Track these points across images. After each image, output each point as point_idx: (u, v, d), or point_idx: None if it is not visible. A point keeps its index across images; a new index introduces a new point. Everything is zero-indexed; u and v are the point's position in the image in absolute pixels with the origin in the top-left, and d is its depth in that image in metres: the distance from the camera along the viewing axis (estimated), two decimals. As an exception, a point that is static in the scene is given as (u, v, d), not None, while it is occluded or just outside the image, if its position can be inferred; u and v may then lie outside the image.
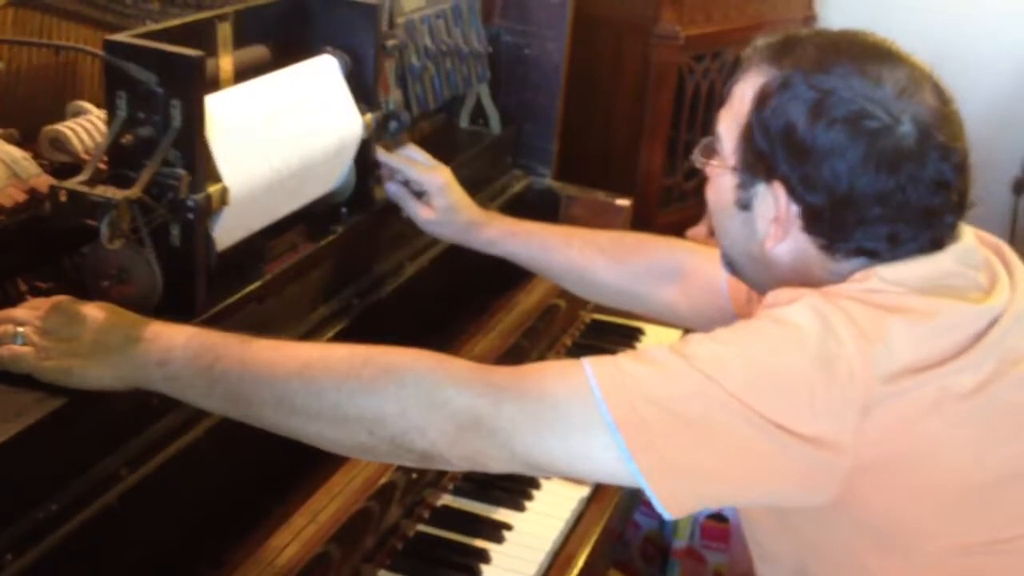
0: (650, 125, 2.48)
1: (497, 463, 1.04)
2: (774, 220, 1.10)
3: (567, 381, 1.02)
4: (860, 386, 0.98)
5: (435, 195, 1.54)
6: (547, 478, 1.56)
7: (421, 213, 1.55)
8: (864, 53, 1.07)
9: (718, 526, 1.84)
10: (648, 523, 1.92)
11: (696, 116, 2.56)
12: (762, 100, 1.08)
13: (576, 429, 1.00)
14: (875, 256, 1.07)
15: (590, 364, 1.02)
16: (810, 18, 2.80)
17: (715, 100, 2.52)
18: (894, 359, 0.99)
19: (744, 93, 1.11)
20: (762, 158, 1.09)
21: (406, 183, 1.55)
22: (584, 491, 1.55)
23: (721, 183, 1.15)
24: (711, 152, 1.17)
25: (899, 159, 1.04)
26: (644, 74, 2.46)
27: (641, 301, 1.57)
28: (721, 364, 0.99)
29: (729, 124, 1.13)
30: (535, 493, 1.53)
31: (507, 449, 1.02)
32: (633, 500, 1.74)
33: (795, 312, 1.01)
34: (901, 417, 0.99)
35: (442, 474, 1.48)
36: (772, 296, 1.07)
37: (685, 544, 1.86)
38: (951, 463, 1.02)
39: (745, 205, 1.13)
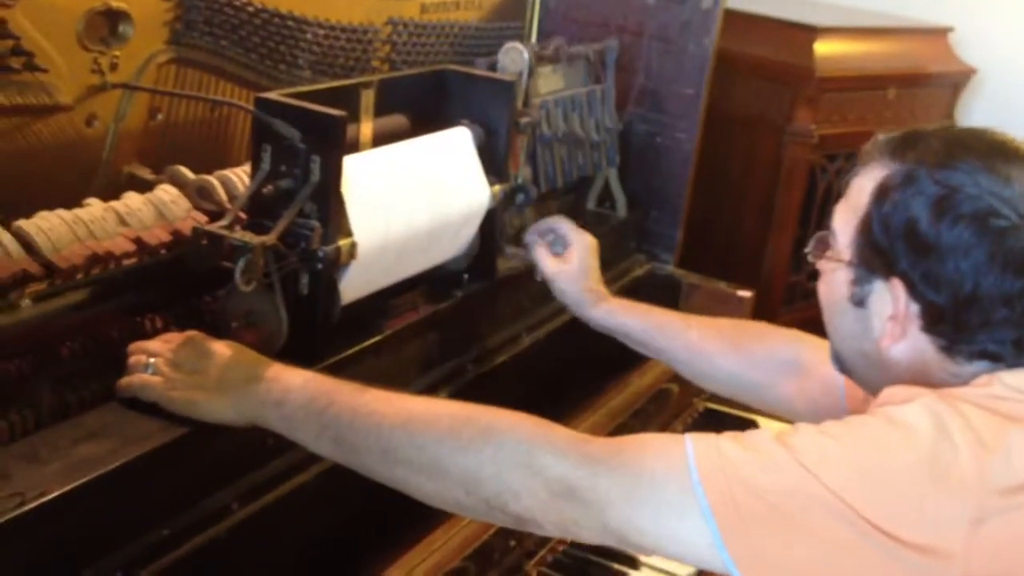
0: (778, 220, 2.48)
1: (589, 534, 1.04)
2: (891, 318, 1.07)
3: (666, 459, 1.01)
4: (973, 496, 0.94)
5: (578, 251, 1.56)
6: (646, 560, 1.54)
7: (551, 264, 1.56)
8: (991, 151, 1.05)
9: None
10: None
11: (826, 215, 2.54)
12: (883, 194, 1.06)
13: (670, 509, 0.99)
14: (999, 360, 1.04)
15: (692, 443, 1.00)
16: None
17: (846, 200, 2.49)
18: (1012, 472, 0.95)
19: (863, 186, 1.09)
20: (881, 253, 1.07)
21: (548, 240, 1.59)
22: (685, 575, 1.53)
23: (834, 278, 1.13)
24: (825, 246, 1.15)
25: None
26: (775, 170, 2.47)
27: (756, 392, 1.53)
28: (825, 459, 0.96)
29: (846, 218, 1.11)
30: (633, 573, 1.52)
31: (599, 521, 1.01)
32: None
33: (910, 412, 0.98)
34: (1014, 535, 0.94)
35: (542, 544, 1.48)
36: (887, 393, 1.04)
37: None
38: None
39: (860, 302, 1.10)
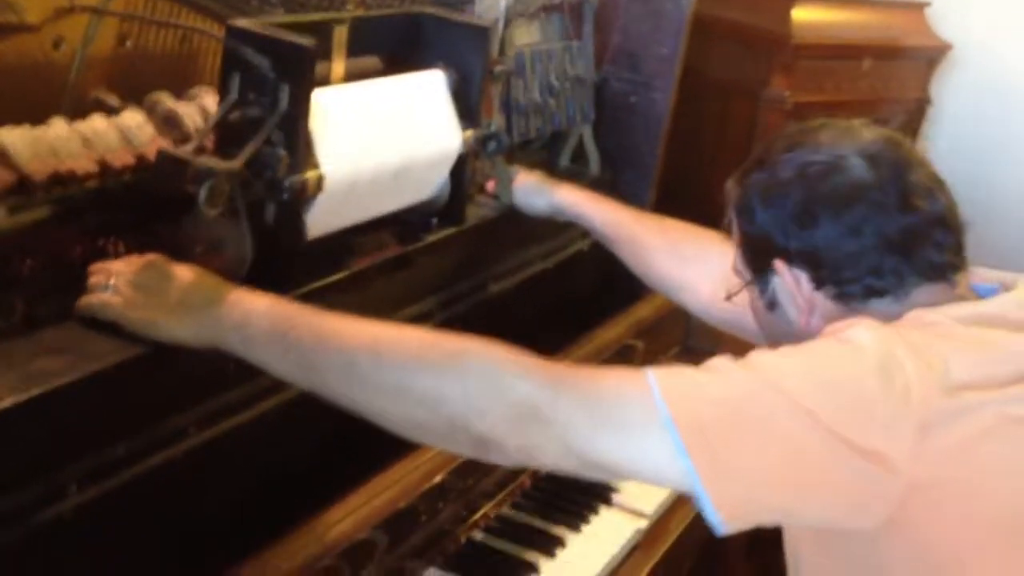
0: (750, 186, 2.48)
1: (551, 456, 1.05)
2: (796, 297, 1.15)
3: (629, 381, 1.03)
4: (918, 403, 0.99)
5: (520, 175, 1.74)
6: (607, 503, 1.56)
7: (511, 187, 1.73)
8: (799, 131, 1.18)
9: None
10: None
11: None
12: (739, 210, 1.21)
13: (633, 425, 1.01)
14: (887, 293, 1.11)
15: (652, 369, 1.03)
16: (923, 99, 2.78)
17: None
18: (952, 377, 1.01)
19: (732, 219, 1.23)
20: (758, 251, 1.19)
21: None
22: (642, 523, 1.54)
23: (754, 303, 1.24)
24: (738, 285, 1.25)
25: (856, 191, 1.10)
26: (749, 135, 2.47)
27: (679, 292, 1.62)
28: (783, 371, 1.01)
29: (734, 251, 1.25)
30: (592, 517, 1.53)
31: (562, 442, 1.03)
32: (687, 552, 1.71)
33: (856, 333, 1.05)
34: (958, 439, 0.99)
35: (502, 486, 1.49)
36: (831, 327, 1.10)
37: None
38: (1004, 491, 1.02)
39: (772, 303, 1.20)
